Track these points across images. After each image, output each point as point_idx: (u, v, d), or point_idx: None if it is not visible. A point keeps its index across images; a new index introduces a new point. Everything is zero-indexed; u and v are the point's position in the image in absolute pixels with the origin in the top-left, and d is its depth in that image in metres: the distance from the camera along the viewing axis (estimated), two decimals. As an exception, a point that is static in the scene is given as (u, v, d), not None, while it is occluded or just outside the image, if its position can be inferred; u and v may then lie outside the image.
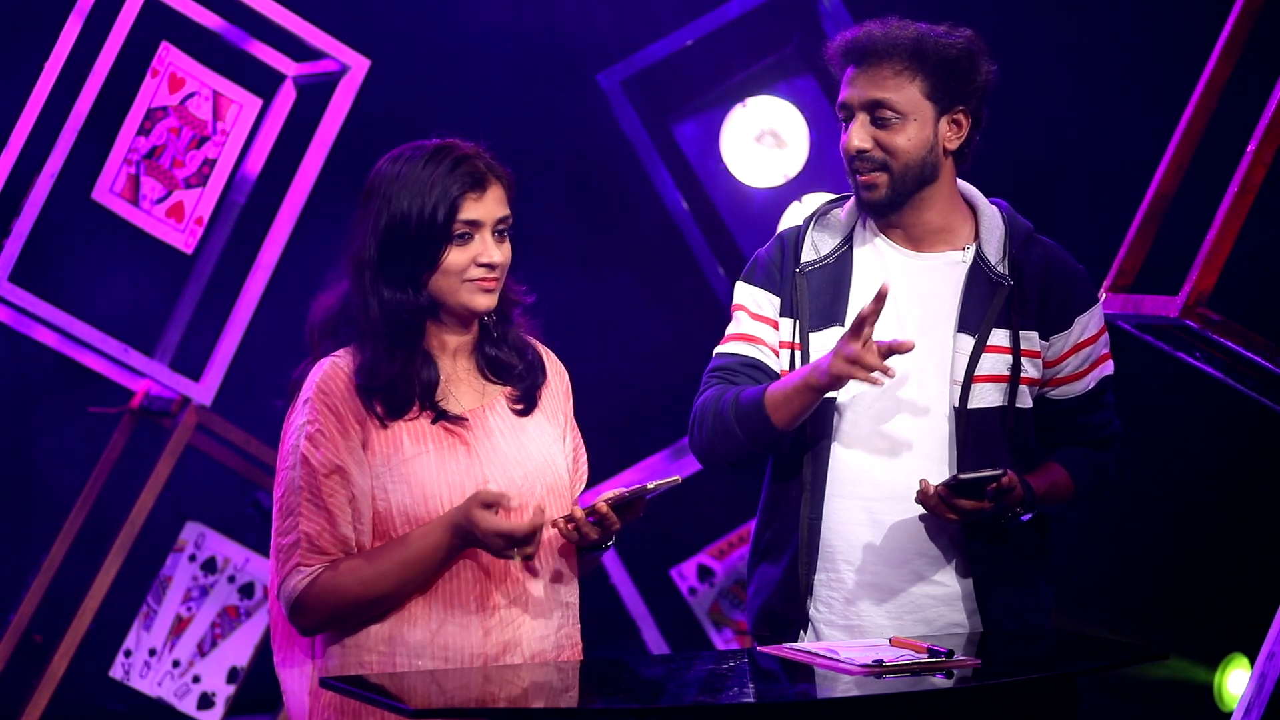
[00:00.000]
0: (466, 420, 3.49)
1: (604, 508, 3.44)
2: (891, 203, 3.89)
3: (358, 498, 3.42)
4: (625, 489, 3.45)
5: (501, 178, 3.49)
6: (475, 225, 3.46)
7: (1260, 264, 6.24)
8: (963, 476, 3.70)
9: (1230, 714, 6.23)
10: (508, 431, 3.53)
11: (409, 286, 3.45)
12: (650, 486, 3.43)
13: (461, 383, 3.54)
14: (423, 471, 3.44)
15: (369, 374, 3.44)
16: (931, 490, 3.73)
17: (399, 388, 3.45)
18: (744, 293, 4.01)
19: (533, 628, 3.50)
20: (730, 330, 4.01)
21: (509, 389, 3.57)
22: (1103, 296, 5.01)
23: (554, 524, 3.48)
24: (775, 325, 3.96)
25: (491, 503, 3.37)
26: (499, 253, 3.48)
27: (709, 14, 6.60)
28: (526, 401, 3.57)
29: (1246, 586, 6.48)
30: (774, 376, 3.94)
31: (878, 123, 3.85)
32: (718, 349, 4.01)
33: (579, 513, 3.45)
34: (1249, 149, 4.71)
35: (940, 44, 3.86)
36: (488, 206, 3.47)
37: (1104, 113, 6.79)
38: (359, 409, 3.44)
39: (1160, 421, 6.50)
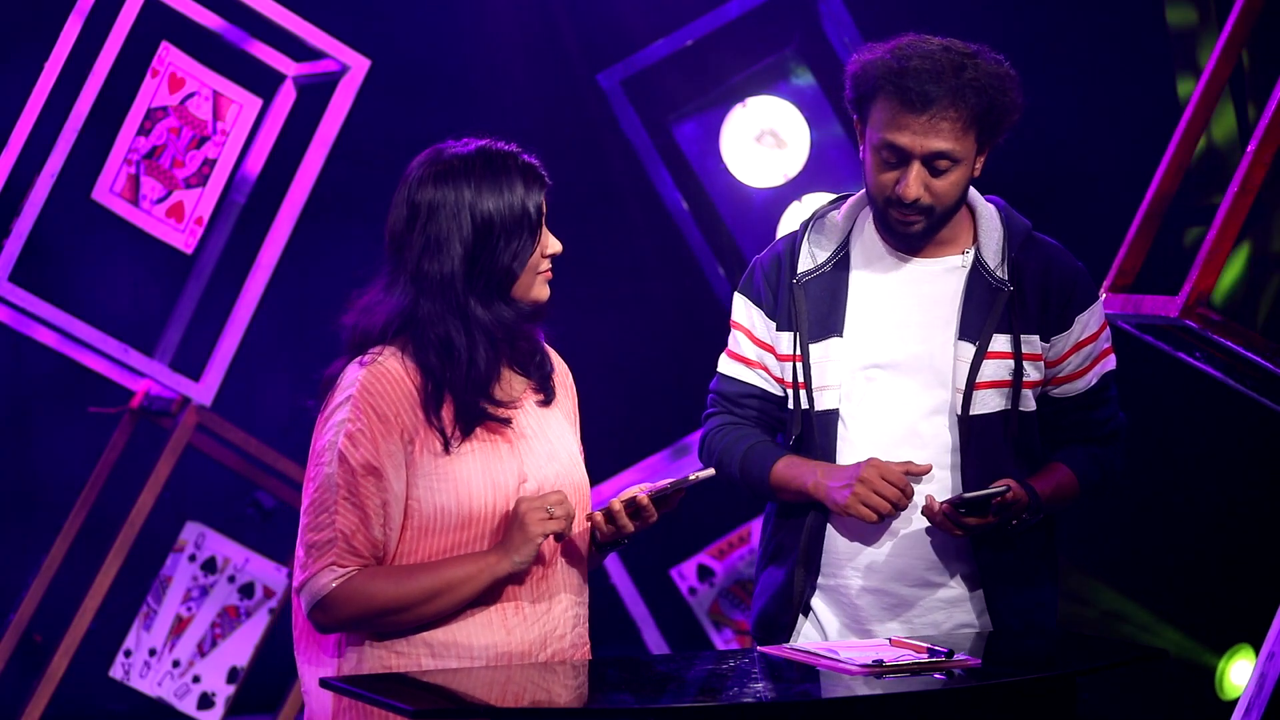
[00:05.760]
0: (510, 419, 3.50)
1: (644, 499, 3.46)
2: (925, 236, 3.87)
3: (390, 502, 3.42)
4: (668, 481, 3.46)
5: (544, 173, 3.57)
6: (542, 219, 3.51)
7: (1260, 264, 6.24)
8: (967, 496, 3.72)
9: (1229, 702, 6.23)
10: (539, 430, 3.54)
11: (501, 301, 3.46)
12: (691, 478, 3.45)
13: (502, 380, 3.54)
14: (467, 470, 3.44)
15: (468, 389, 3.43)
16: (936, 508, 3.74)
17: (478, 407, 3.46)
18: (741, 310, 4.00)
19: (554, 626, 3.52)
20: (732, 348, 4.01)
21: (530, 382, 3.57)
22: (1103, 296, 5.00)
23: (589, 517, 3.52)
24: (773, 350, 3.96)
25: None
26: (557, 241, 3.54)
27: (709, 14, 6.60)
28: (545, 390, 3.57)
29: (1251, 584, 6.48)
30: (775, 404, 3.96)
31: (932, 170, 3.79)
32: (721, 367, 4.02)
33: (617, 505, 3.48)
34: (1249, 149, 4.71)
35: (1001, 97, 3.77)
36: (545, 201, 3.53)
37: (1104, 113, 6.79)
38: (409, 412, 3.42)
39: (1159, 422, 6.49)
